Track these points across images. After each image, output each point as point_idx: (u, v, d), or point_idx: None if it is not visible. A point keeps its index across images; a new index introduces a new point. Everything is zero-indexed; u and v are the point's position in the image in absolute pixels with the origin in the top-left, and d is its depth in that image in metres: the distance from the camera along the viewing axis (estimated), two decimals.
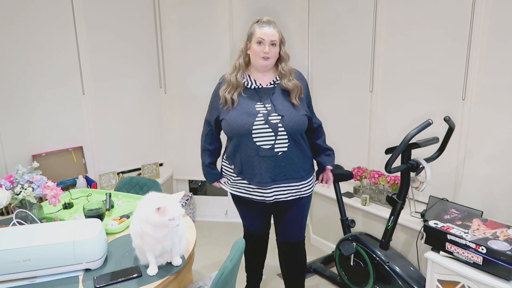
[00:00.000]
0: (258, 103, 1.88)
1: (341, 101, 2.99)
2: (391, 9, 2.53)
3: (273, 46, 1.85)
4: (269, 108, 1.86)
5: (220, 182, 2.10)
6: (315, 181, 2.10)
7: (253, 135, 1.84)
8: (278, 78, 1.93)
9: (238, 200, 2.09)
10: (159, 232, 1.42)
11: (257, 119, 1.84)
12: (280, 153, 1.86)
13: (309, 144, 2.03)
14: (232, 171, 2.00)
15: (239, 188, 2.01)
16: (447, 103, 2.31)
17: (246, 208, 2.12)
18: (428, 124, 1.95)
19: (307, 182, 1.99)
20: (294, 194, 1.96)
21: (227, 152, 2.03)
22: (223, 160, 2.07)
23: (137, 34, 3.21)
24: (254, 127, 1.84)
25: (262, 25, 1.86)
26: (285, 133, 1.85)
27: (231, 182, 2.04)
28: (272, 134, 1.84)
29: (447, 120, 2.01)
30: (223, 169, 2.09)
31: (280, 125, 1.84)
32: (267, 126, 1.84)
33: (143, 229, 1.42)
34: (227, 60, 3.27)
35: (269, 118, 1.85)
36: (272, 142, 1.85)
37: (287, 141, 1.86)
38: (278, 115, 1.85)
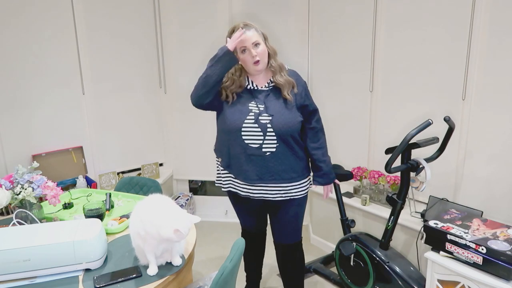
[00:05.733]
0: (252, 102, 1.89)
1: (341, 101, 2.99)
2: (391, 9, 2.53)
3: (258, 46, 1.83)
4: (261, 108, 1.87)
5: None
6: (310, 184, 2.08)
7: (242, 133, 1.86)
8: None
9: (229, 196, 2.12)
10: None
11: (248, 117, 1.85)
12: (268, 153, 1.87)
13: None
14: (219, 163, 2.03)
15: (226, 182, 2.03)
16: (447, 103, 2.31)
17: (238, 205, 2.14)
18: (428, 124, 1.95)
19: (298, 184, 1.97)
20: (283, 195, 1.95)
21: (216, 144, 2.05)
22: (214, 151, 2.10)
23: (137, 34, 3.21)
24: (244, 125, 1.85)
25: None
26: (273, 133, 1.85)
27: (221, 176, 2.06)
28: (261, 133, 1.85)
29: (447, 120, 2.01)
30: (215, 161, 2.11)
31: (269, 125, 1.85)
32: (256, 125, 1.85)
33: (148, 230, 1.42)
34: None
35: (260, 117, 1.85)
36: (261, 142, 1.85)
37: (275, 141, 1.86)
38: (269, 115, 1.85)
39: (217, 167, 2.08)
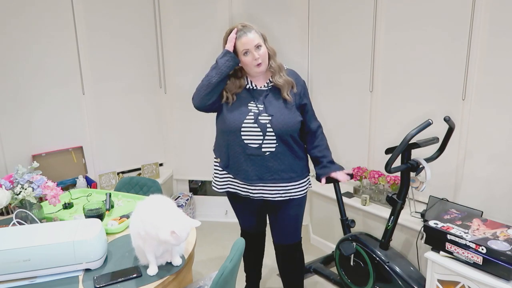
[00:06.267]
0: (252, 102, 1.89)
1: (341, 101, 2.99)
2: (391, 9, 2.53)
3: (260, 48, 1.83)
4: (260, 108, 1.87)
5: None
6: (310, 184, 2.08)
7: (242, 133, 1.86)
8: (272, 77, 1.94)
9: (228, 196, 2.12)
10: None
11: (247, 117, 1.86)
12: (267, 153, 1.87)
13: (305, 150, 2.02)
14: (218, 164, 2.03)
15: (225, 183, 2.03)
16: (447, 103, 2.31)
17: (238, 205, 2.14)
18: (428, 124, 1.95)
19: (298, 184, 1.98)
20: (283, 195, 1.95)
21: (215, 145, 2.05)
22: (213, 151, 2.09)
23: (137, 34, 3.21)
24: (243, 125, 1.85)
25: (239, 34, 1.84)
26: (273, 133, 1.85)
27: (218, 177, 2.05)
28: (261, 133, 1.85)
29: (447, 120, 2.01)
30: (213, 162, 2.11)
31: (269, 125, 1.85)
32: (256, 125, 1.85)
33: (148, 231, 1.42)
34: None
35: (259, 117, 1.85)
36: (260, 141, 1.86)
37: (275, 141, 1.86)
38: (268, 115, 1.86)
39: (215, 168, 2.08)
